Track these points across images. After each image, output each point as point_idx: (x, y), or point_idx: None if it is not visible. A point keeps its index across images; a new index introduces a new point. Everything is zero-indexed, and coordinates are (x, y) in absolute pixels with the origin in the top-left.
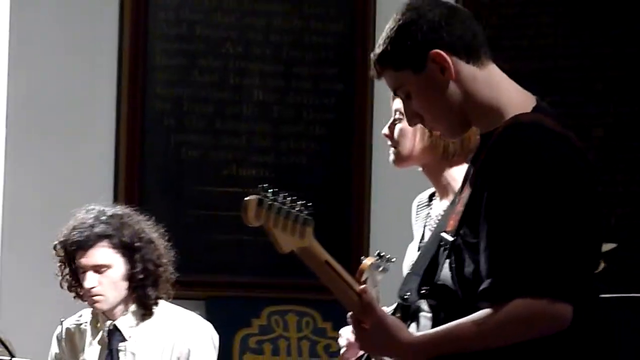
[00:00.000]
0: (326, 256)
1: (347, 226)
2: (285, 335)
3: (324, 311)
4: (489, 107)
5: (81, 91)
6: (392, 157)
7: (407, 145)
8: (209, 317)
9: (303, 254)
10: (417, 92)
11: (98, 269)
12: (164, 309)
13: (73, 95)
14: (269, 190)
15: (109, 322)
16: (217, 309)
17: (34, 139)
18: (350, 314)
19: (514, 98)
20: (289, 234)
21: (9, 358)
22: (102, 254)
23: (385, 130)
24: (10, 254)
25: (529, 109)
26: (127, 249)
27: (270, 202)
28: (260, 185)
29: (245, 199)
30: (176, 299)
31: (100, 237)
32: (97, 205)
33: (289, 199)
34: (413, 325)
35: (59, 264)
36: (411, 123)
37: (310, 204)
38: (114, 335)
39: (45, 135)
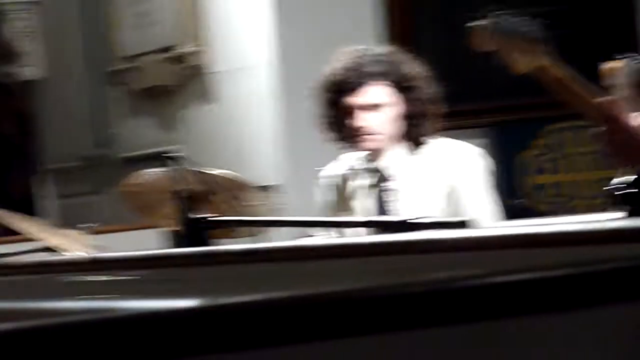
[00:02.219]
0: (564, 72)
1: (609, 35)
2: (566, 152)
3: None
4: None
5: None
6: None
7: None
8: (490, 143)
9: (539, 73)
10: None
11: (373, 107)
12: (430, 144)
13: None
14: (497, 12)
15: (374, 163)
16: (496, 135)
17: None
18: (597, 129)
19: None
20: (522, 54)
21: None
22: (378, 92)
23: None
24: (285, 100)
25: None
26: (401, 88)
27: (499, 25)
28: (488, 9)
29: (473, 24)
30: (456, 129)
31: (376, 75)
32: (362, 45)
33: (519, 18)
34: None
35: (318, 105)
36: None
37: (545, 21)
38: (381, 175)
39: None
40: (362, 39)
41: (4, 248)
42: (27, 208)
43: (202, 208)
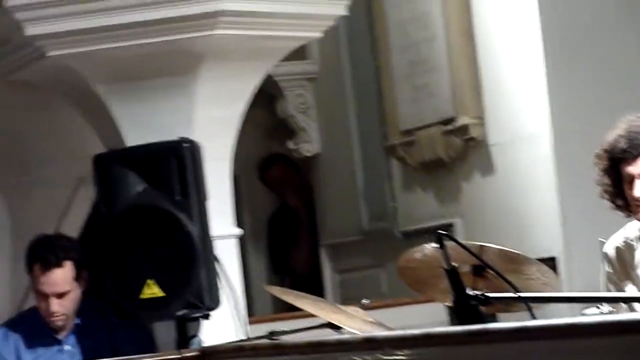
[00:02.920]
0: None
1: None
2: None
3: None
4: None
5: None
6: None
7: None
8: None
9: None
10: None
11: None
12: None
13: (605, 20)
14: None
15: None
16: None
17: (573, 57)
18: None
19: None
20: None
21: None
22: None
23: None
24: (564, 170)
25: None
26: None
27: None
28: None
29: None
30: None
31: None
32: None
33: None
34: None
35: (600, 173)
36: None
37: None
38: None
39: (583, 54)
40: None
41: (283, 325)
42: (310, 282)
43: (478, 283)
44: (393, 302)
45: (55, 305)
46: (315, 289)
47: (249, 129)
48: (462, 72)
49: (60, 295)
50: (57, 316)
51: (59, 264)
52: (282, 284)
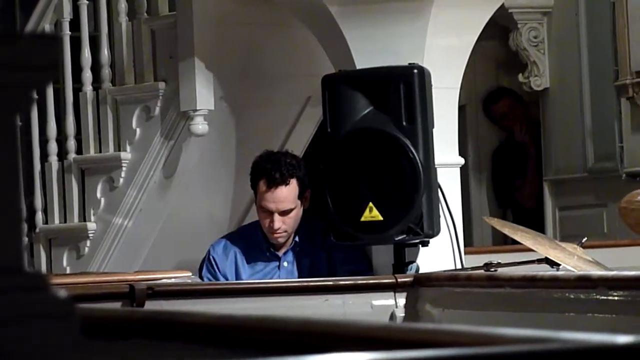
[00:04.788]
0: None
1: None
2: None
3: None
4: None
5: None
6: None
7: None
8: None
9: None
10: None
11: None
12: None
13: None
14: None
15: None
16: None
17: None
18: None
19: None
20: None
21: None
22: None
23: None
24: None
25: None
26: None
27: None
28: None
29: None
30: None
31: None
32: None
33: None
34: None
35: None
36: None
37: None
38: None
39: None
40: None
41: (499, 257)
42: (533, 217)
43: None
44: (613, 243)
45: (278, 221)
46: (537, 225)
47: (479, 60)
48: None
49: (284, 213)
50: (279, 233)
51: (284, 182)
52: (504, 217)
